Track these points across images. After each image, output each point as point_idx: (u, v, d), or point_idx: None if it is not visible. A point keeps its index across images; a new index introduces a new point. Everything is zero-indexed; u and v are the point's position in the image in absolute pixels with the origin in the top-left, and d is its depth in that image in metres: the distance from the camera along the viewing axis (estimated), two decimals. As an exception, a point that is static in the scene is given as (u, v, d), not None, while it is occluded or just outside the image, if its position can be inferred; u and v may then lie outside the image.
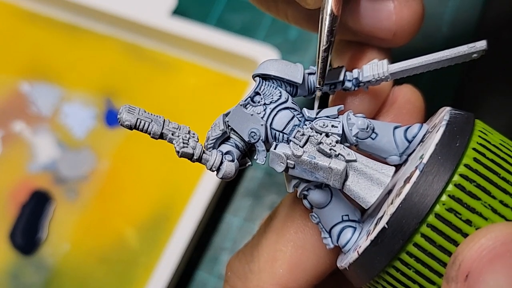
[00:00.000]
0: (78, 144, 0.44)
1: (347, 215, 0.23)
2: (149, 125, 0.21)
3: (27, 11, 0.49)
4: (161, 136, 0.21)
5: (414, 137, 0.22)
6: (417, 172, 0.19)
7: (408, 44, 0.26)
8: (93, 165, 0.43)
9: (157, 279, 0.37)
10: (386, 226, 0.19)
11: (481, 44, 0.22)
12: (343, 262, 0.22)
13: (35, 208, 0.42)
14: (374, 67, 0.23)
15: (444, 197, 0.19)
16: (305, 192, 0.22)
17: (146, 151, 0.43)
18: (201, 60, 0.45)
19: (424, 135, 0.22)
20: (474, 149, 0.20)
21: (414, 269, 0.19)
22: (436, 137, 0.20)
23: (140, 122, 0.21)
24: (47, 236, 0.41)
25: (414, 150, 0.22)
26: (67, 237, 0.41)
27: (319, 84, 0.23)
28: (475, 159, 0.19)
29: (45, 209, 0.42)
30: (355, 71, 0.24)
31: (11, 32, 0.48)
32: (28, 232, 0.41)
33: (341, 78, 0.24)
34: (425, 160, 0.19)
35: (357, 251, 0.20)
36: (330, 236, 0.23)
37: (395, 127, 0.23)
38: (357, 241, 0.22)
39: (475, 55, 0.22)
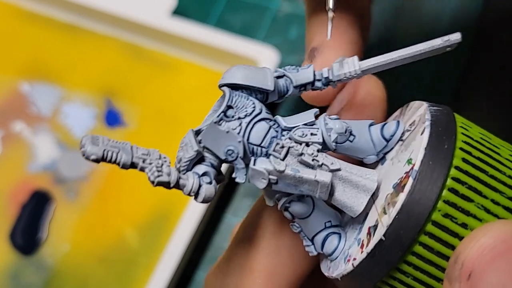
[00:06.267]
0: (78, 144, 0.43)
1: (330, 221, 0.22)
2: (117, 155, 0.19)
3: (27, 11, 0.48)
4: (132, 165, 0.19)
5: (392, 136, 0.22)
6: (411, 180, 0.19)
7: (409, 43, 0.26)
8: (93, 165, 0.43)
9: (157, 279, 0.37)
10: (383, 238, 0.19)
11: (456, 37, 0.21)
12: (334, 272, 0.21)
13: (35, 208, 0.42)
14: (345, 65, 0.22)
15: (439, 204, 0.19)
16: (287, 205, 0.22)
17: (146, 151, 0.43)
18: (201, 60, 0.45)
19: (403, 132, 0.22)
20: (461, 148, 0.19)
21: (412, 276, 0.19)
22: (424, 140, 0.19)
23: (107, 153, 0.19)
24: (47, 236, 0.41)
25: (392, 148, 0.22)
26: (67, 237, 0.41)
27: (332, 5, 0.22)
28: (464, 160, 0.19)
29: (45, 209, 0.42)
30: (325, 70, 0.22)
31: (11, 32, 0.48)
32: (28, 232, 0.41)
33: (311, 78, 0.22)
34: (416, 167, 0.19)
35: (352, 264, 0.20)
36: (313, 244, 0.22)
37: (370, 125, 0.22)
38: (345, 248, 0.21)
39: (449, 48, 0.22)
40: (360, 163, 0.25)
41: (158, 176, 0.19)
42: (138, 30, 0.45)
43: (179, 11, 0.46)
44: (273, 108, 0.43)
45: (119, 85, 0.45)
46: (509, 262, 0.17)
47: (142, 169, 0.19)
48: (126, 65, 0.46)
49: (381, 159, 0.22)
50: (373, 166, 0.23)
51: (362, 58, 0.23)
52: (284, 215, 0.22)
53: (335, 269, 0.21)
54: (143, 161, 0.19)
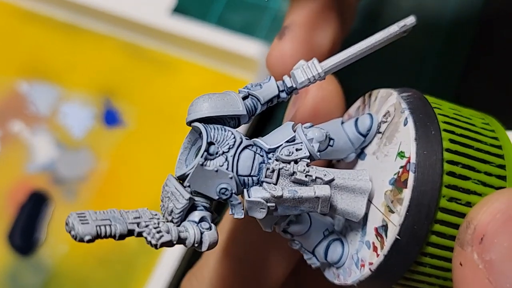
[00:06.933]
0: (77, 144, 0.43)
1: (327, 229, 0.22)
2: (111, 228, 0.17)
3: (26, 10, 0.48)
4: (129, 233, 0.18)
5: (369, 130, 0.22)
6: (412, 175, 0.19)
7: (409, 42, 0.26)
8: (91, 165, 0.42)
9: (157, 280, 0.37)
10: (399, 237, 0.19)
11: (411, 21, 0.21)
12: (347, 279, 0.21)
13: (33, 209, 0.41)
14: (306, 70, 0.21)
15: (443, 190, 0.19)
16: (286, 227, 0.21)
17: (145, 151, 0.43)
18: (201, 60, 0.45)
19: (378, 124, 0.22)
20: (444, 130, 0.19)
21: (429, 265, 0.19)
22: (410, 131, 0.19)
23: (101, 229, 0.17)
24: (45, 237, 0.41)
25: (370, 142, 0.22)
26: (66, 238, 0.41)
27: None
28: (451, 140, 0.19)
29: (44, 210, 0.41)
30: (287, 79, 0.21)
31: (10, 31, 0.48)
32: (26, 233, 0.41)
33: (276, 91, 0.21)
34: (413, 160, 0.19)
35: (370, 269, 0.20)
36: (315, 255, 0.22)
37: (341, 123, 0.22)
38: (351, 253, 0.21)
39: (405, 33, 0.21)
40: (329, 162, 0.24)
41: (160, 238, 0.18)
42: (137, 29, 0.45)
43: (179, 10, 0.46)
44: (272, 111, 0.43)
45: (118, 85, 0.45)
46: None
47: (139, 235, 0.18)
48: (125, 64, 0.46)
49: (360, 155, 0.22)
50: (353, 163, 0.23)
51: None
52: (283, 236, 0.22)
53: (347, 276, 0.21)
54: (138, 225, 0.18)
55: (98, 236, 0.17)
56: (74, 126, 0.44)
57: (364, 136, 0.22)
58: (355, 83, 0.35)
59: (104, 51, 0.46)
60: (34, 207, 0.41)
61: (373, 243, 0.20)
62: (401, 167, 0.19)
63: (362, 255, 0.20)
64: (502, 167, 0.20)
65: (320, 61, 0.21)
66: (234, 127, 0.20)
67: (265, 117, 0.42)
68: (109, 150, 0.43)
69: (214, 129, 0.20)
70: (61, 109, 0.45)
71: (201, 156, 0.19)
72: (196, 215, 0.19)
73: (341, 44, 0.30)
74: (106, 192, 0.42)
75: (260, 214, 0.19)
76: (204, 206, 0.20)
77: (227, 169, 0.19)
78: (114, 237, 0.18)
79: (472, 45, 0.42)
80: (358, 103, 0.24)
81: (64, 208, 0.41)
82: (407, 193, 0.19)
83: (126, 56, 0.46)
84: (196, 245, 0.19)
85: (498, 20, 0.43)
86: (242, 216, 0.20)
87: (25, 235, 0.41)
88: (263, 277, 0.24)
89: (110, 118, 0.44)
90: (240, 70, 0.44)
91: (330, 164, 0.25)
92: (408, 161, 0.19)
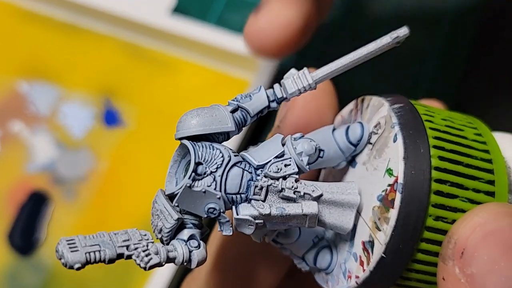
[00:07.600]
0: (77, 144, 0.43)
1: (316, 236, 0.22)
2: (100, 253, 0.18)
3: (25, 10, 0.48)
4: (119, 256, 0.18)
5: (359, 140, 0.22)
6: (398, 195, 0.19)
7: (409, 42, 0.26)
8: (91, 165, 0.42)
9: (156, 280, 0.37)
10: (384, 255, 0.19)
11: (404, 32, 0.21)
12: (334, 287, 0.21)
13: (33, 209, 0.41)
14: (297, 81, 0.21)
15: (430, 209, 0.19)
16: (275, 238, 0.22)
17: (145, 151, 0.43)
18: (201, 60, 0.45)
19: (369, 134, 0.22)
20: (434, 146, 0.19)
21: (415, 279, 0.20)
22: (399, 148, 0.19)
23: (90, 255, 0.17)
24: (45, 237, 0.41)
25: (361, 151, 0.22)
26: (66, 238, 0.41)
27: None
28: (440, 158, 0.19)
29: (44, 210, 0.41)
30: (277, 89, 0.21)
31: (10, 31, 0.48)
32: (26, 233, 0.41)
33: (266, 102, 0.21)
34: (401, 180, 0.19)
35: (356, 282, 0.20)
36: (304, 260, 0.22)
37: (333, 130, 0.22)
38: (340, 261, 0.21)
39: (398, 44, 0.21)
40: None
41: (149, 260, 0.18)
42: (137, 29, 0.45)
43: (179, 10, 0.46)
44: (271, 114, 0.43)
45: (118, 85, 0.45)
46: (499, 240, 0.17)
47: (129, 257, 0.18)
48: (125, 64, 0.46)
49: (351, 162, 0.22)
50: (344, 170, 0.23)
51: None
52: (273, 245, 0.22)
53: (335, 284, 0.21)
54: (127, 248, 0.19)
55: (87, 262, 0.17)
56: (74, 126, 0.44)
57: (355, 145, 0.22)
58: (354, 83, 0.35)
59: (104, 51, 0.46)
60: (34, 207, 0.41)
61: (360, 256, 0.20)
62: (389, 185, 0.19)
63: (349, 266, 0.21)
64: (491, 182, 0.20)
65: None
66: (224, 141, 0.20)
67: (264, 118, 0.42)
68: (109, 150, 0.43)
69: (203, 147, 0.20)
70: (61, 109, 0.45)
71: (189, 177, 0.19)
72: (185, 234, 0.20)
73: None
74: (106, 192, 0.42)
75: (248, 230, 0.20)
76: (193, 224, 0.20)
77: (215, 189, 0.19)
78: (104, 261, 0.18)
79: (472, 45, 0.42)
80: (351, 106, 0.23)
81: (64, 208, 0.41)
82: (393, 214, 0.19)
83: (126, 56, 0.46)
84: (185, 263, 0.19)
85: (498, 20, 0.43)
86: (231, 233, 0.20)
87: (25, 235, 0.41)
88: (256, 284, 0.24)
89: (110, 118, 0.44)
90: (240, 70, 0.44)
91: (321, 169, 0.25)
92: (396, 181, 0.19)
